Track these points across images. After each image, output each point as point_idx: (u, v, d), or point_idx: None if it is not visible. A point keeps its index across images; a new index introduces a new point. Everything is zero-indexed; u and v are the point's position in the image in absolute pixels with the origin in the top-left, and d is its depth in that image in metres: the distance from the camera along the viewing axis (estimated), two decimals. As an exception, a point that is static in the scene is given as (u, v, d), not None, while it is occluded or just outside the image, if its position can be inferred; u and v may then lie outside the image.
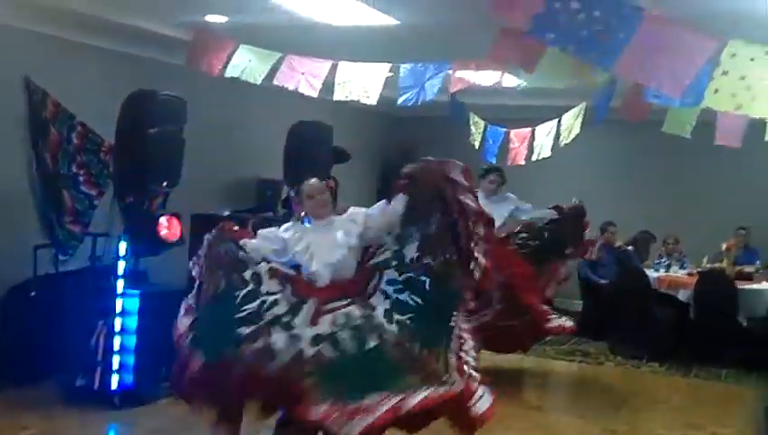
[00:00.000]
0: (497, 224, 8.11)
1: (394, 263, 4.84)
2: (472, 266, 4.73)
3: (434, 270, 4.74)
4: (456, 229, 4.79)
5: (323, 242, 4.94)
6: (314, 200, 5.06)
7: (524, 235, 8.33)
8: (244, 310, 4.66)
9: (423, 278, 4.74)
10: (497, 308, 7.41)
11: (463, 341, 4.65)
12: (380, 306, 4.71)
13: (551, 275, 8.39)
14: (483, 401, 4.45)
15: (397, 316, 4.64)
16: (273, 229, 5.16)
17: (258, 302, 4.69)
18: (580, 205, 8.69)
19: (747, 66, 4.74)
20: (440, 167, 4.91)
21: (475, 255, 4.73)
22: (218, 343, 4.60)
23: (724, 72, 4.77)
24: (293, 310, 4.66)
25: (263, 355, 4.46)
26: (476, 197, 4.95)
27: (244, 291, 4.75)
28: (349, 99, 7.50)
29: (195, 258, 5.16)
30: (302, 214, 5.28)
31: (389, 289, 4.78)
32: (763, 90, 4.73)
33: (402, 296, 4.72)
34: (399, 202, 4.93)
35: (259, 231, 5.12)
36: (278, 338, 4.50)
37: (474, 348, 4.69)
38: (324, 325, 4.58)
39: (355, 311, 4.66)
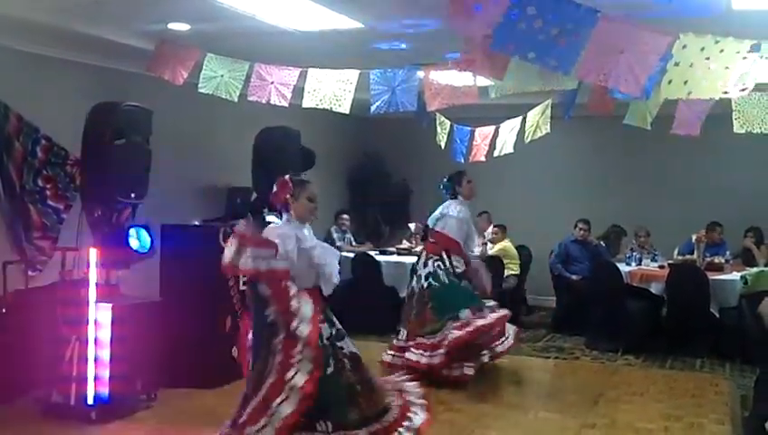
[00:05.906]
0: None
1: None
2: None
3: None
4: None
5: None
6: (314, 205, 4.99)
7: None
8: None
9: None
10: None
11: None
12: None
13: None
14: None
15: None
16: (278, 228, 4.89)
17: None
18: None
19: (696, 55, 4.85)
20: None
21: None
22: None
23: (676, 64, 4.90)
24: None
25: None
26: None
27: None
28: (320, 107, 7.41)
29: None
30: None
31: None
32: (710, 72, 4.84)
33: None
34: None
35: (273, 231, 4.81)
36: None
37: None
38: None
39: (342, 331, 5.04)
